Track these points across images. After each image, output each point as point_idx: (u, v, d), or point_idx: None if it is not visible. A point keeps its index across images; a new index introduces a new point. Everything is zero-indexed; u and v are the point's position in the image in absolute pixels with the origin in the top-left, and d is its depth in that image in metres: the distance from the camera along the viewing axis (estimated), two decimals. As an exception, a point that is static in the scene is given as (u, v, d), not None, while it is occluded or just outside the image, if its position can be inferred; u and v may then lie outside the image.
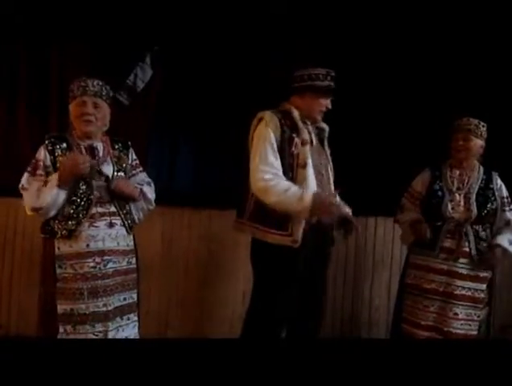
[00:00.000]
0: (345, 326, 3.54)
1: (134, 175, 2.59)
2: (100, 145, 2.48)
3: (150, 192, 2.60)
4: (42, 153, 2.40)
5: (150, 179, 2.65)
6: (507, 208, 2.82)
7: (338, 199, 2.40)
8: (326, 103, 2.55)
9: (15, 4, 3.18)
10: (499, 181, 2.84)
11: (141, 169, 2.65)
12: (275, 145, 2.42)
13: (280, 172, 2.42)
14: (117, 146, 2.55)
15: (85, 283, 2.34)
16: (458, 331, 2.71)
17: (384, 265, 3.56)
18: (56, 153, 2.39)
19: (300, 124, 2.49)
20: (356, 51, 3.47)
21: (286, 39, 3.41)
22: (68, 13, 3.21)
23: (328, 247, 2.66)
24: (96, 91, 2.41)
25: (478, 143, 2.80)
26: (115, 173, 2.46)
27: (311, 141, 2.54)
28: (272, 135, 2.41)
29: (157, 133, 3.54)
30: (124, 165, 2.54)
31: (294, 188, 2.37)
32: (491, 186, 2.80)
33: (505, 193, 2.85)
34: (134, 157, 2.62)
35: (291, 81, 2.58)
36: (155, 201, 2.68)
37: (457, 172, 2.84)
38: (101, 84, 2.45)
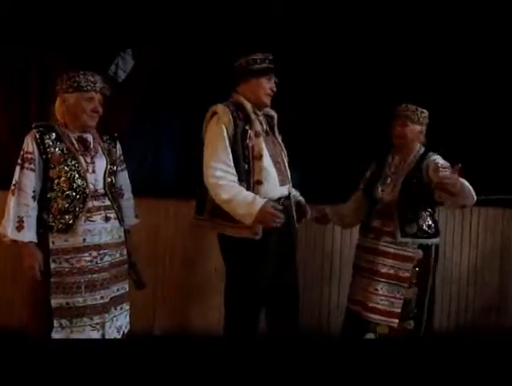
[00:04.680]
0: (332, 314, 3.57)
1: (118, 172, 2.57)
2: (89, 137, 2.46)
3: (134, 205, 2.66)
4: (30, 146, 2.33)
5: (128, 180, 2.65)
6: (440, 173, 2.70)
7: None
8: (270, 85, 2.60)
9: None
10: (432, 158, 2.81)
11: (125, 166, 2.64)
12: (228, 141, 2.44)
13: (232, 169, 2.44)
14: (105, 138, 2.53)
15: (82, 277, 2.34)
16: (379, 306, 2.83)
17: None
18: (46, 144, 2.33)
19: (253, 116, 2.54)
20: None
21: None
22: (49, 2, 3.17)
23: (295, 237, 2.73)
24: (101, 87, 2.41)
25: (416, 129, 2.85)
26: (108, 166, 2.46)
27: (266, 132, 2.61)
28: (225, 130, 2.44)
29: (140, 124, 3.52)
30: (114, 158, 2.53)
31: (246, 192, 2.42)
32: (420, 166, 2.82)
33: (440, 162, 2.78)
34: (121, 151, 2.61)
35: (234, 72, 2.63)
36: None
37: (397, 158, 2.92)
38: (102, 79, 2.44)
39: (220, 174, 2.41)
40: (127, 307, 2.56)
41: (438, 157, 2.83)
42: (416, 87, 3.55)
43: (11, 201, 2.31)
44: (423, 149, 2.90)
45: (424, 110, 2.87)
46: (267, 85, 2.58)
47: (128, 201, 2.63)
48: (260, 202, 2.37)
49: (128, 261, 2.58)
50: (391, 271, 2.82)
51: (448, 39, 3.68)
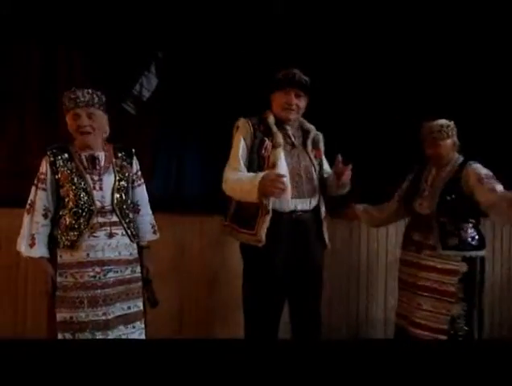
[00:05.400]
0: (361, 327, 3.51)
1: (134, 187, 2.59)
2: (101, 155, 2.48)
3: (153, 221, 2.65)
4: (44, 167, 2.42)
5: (146, 194, 2.64)
6: (485, 184, 2.62)
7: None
8: (286, 99, 2.63)
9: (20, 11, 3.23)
10: (471, 167, 2.71)
11: (142, 181, 2.64)
12: (243, 151, 2.58)
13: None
14: (120, 155, 2.54)
15: (85, 292, 2.36)
16: (423, 322, 2.74)
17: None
18: (58, 164, 2.40)
19: (274, 128, 2.62)
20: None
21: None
22: (74, 23, 3.27)
23: (315, 248, 2.69)
24: (87, 101, 2.38)
25: (448, 143, 2.79)
26: (117, 183, 2.46)
27: (292, 144, 2.64)
28: (242, 141, 2.58)
29: (164, 140, 3.56)
30: (127, 174, 2.53)
31: (249, 173, 2.52)
32: (459, 176, 2.73)
33: (483, 172, 2.68)
34: (138, 167, 2.61)
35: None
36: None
37: (434, 170, 2.86)
38: (91, 92, 2.41)
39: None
40: (142, 325, 2.52)
41: (478, 166, 2.72)
42: (453, 95, 3.48)
43: (25, 219, 2.42)
44: (461, 159, 2.80)
45: (449, 123, 2.80)
46: (283, 99, 2.65)
47: (144, 217, 2.63)
48: (261, 173, 2.44)
49: (142, 278, 2.56)
50: (435, 285, 2.73)
51: (476, 48, 3.61)
